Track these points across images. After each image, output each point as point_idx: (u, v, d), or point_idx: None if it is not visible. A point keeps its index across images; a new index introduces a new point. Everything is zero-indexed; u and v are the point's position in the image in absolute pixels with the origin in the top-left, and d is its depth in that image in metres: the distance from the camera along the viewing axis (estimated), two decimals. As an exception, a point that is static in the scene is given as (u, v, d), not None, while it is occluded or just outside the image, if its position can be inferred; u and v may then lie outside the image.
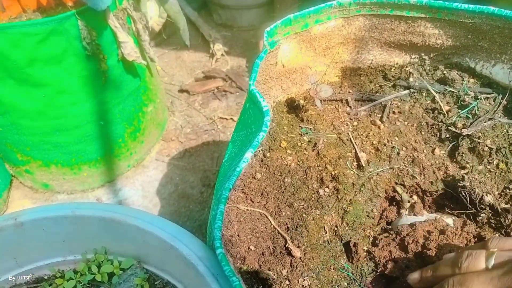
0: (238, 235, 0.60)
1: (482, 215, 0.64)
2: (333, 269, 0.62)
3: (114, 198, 1.41)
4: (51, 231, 0.65)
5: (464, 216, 0.66)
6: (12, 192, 1.43)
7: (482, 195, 0.64)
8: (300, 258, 0.61)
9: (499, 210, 0.63)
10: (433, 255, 0.59)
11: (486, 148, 0.72)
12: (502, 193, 0.68)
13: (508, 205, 0.65)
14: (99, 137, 1.30)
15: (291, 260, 0.61)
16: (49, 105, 1.15)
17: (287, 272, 0.60)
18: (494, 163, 0.71)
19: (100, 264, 0.71)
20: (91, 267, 0.70)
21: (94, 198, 1.41)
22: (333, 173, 0.72)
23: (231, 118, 1.69)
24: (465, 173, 0.70)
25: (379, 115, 0.81)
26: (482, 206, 0.64)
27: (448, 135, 0.76)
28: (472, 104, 0.78)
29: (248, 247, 0.60)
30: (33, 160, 1.29)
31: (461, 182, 0.67)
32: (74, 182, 1.38)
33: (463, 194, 0.66)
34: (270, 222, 0.64)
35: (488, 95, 0.80)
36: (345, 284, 0.60)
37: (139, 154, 1.48)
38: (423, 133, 0.78)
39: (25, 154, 1.28)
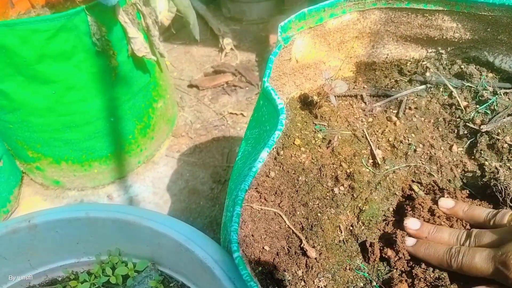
0: (253, 235, 0.59)
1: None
2: (349, 269, 0.60)
3: (125, 195, 1.41)
4: (65, 233, 0.64)
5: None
6: (23, 189, 1.43)
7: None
8: (316, 258, 0.60)
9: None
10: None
11: (505, 145, 0.70)
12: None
13: None
14: (109, 133, 1.29)
15: (306, 261, 0.59)
16: (59, 101, 1.15)
17: (303, 272, 0.58)
18: (515, 160, 0.69)
19: (114, 266, 0.71)
20: (105, 269, 0.69)
21: (104, 195, 1.41)
22: (348, 171, 0.70)
23: (241, 113, 1.68)
24: (500, 166, 0.68)
25: (395, 111, 0.79)
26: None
27: (466, 132, 0.74)
28: (490, 99, 0.76)
29: (263, 247, 0.59)
30: (44, 157, 1.29)
31: (493, 176, 0.65)
32: (84, 178, 1.38)
33: (499, 188, 0.63)
34: (285, 221, 0.63)
35: (507, 90, 0.78)
36: (361, 284, 0.59)
37: (149, 150, 1.48)
38: (440, 129, 0.76)
39: (35, 151, 1.28)
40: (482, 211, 0.61)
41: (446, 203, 0.64)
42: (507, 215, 0.58)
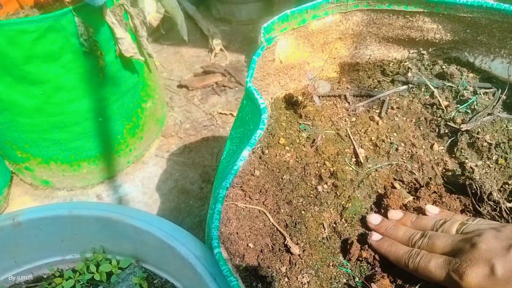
0: (237, 233, 0.60)
1: (484, 211, 0.64)
2: (332, 265, 0.62)
3: (114, 195, 1.41)
4: (49, 231, 0.65)
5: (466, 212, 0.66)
6: (12, 189, 1.43)
7: (491, 191, 0.64)
8: (299, 255, 0.61)
9: (505, 209, 0.63)
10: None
11: (485, 144, 0.72)
12: (502, 188, 0.68)
13: None
14: (98, 133, 1.29)
15: (290, 257, 0.61)
16: (47, 102, 1.15)
17: (286, 269, 0.60)
18: (494, 158, 0.71)
19: (98, 263, 0.72)
20: (89, 266, 0.70)
21: (94, 195, 1.41)
22: (331, 169, 0.71)
23: (231, 113, 1.69)
24: (478, 165, 0.70)
25: (378, 111, 0.81)
26: (489, 202, 0.64)
27: (447, 131, 0.76)
28: (471, 99, 0.77)
29: (247, 245, 0.60)
30: (33, 157, 1.29)
31: (469, 176, 0.67)
32: (74, 178, 1.38)
33: (474, 187, 0.65)
34: (269, 219, 0.64)
35: (487, 90, 0.80)
36: (344, 280, 0.61)
37: (138, 150, 1.48)
38: (421, 128, 0.78)
39: (24, 151, 1.28)
40: (429, 220, 0.62)
41: (395, 215, 0.66)
42: (455, 224, 0.59)
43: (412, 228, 0.63)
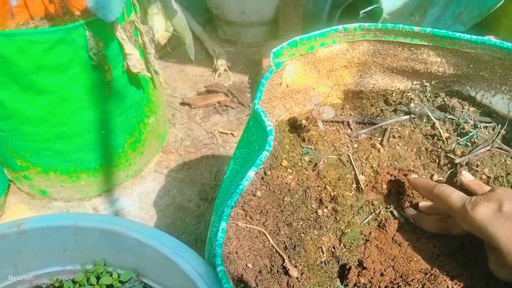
0: (236, 252, 0.61)
1: None
2: (329, 290, 0.62)
3: (111, 208, 1.41)
4: (52, 240, 0.65)
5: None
6: (9, 197, 1.43)
7: None
8: (297, 278, 0.61)
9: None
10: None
11: (484, 176, 0.73)
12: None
13: None
14: (100, 146, 1.30)
15: (288, 280, 0.61)
16: (52, 112, 1.16)
17: (284, 291, 0.60)
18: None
19: (99, 275, 0.71)
20: (90, 278, 0.70)
21: (90, 207, 1.41)
22: (332, 194, 0.72)
23: (231, 133, 1.70)
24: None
25: (380, 139, 0.82)
26: None
27: (446, 162, 0.77)
28: (471, 132, 0.79)
29: (246, 265, 0.61)
30: (33, 166, 1.30)
31: None
32: (71, 190, 1.38)
33: None
34: (269, 240, 0.65)
35: (487, 124, 0.81)
36: (341, 305, 0.61)
37: (138, 165, 1.49)
38: (422, 158, 0.79)
39: (24, 160, 1.28)
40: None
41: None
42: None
43: None
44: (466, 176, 0.71)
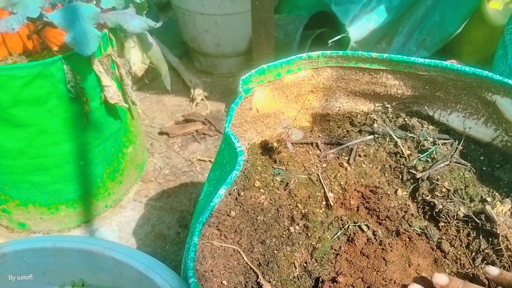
0: (212, 270, 0.63)
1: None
2: (302, 303, 0.65)
3: (90, 239, 1.41)
4: (32, 262, 0.66)
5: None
6: (-14, 232, 1.41)
7: (457, 211, 0.73)
8: (271, 292, 0.64)
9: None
10: None
11: (444, 189, 0.78)
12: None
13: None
14: (78, 177, 1.31)
15: (262, 295, 0.63)
16: (31, 145, 1.17)
17: (258, 306, 0.62)
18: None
19: (77, 296, 0.73)
20: (68, 299, 0.71)
21: (69, 239, 1.40)
22: (303, 211, 0.76)
23: (209, 160, 1.73)
24: (431, 199, 0.76)
25: (346, 158, 0.87)
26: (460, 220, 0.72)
27: (409, 177, 0.82)
28: (431, 148, 0.85)
29: (221, 282, 0.63)
30: (11, 199, 1.29)
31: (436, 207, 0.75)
32: (51, 221, 1.37)
33: (444, 215, 0.74)
34: (243, 258, 0.67)
35: (445, 141, 0.87)
36: (314, 318, 0.63)
37: (117, 194, 1.50)
38: (386, 175, 0.84)
39: (3, 193, 1.28)
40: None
41: (440, 279, 0.62)
42: None
43: None
44: (491, 272, 0.63)
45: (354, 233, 0.74)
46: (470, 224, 0.73)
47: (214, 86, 2.26)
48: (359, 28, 1.90)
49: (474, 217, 0.72)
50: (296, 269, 0.69)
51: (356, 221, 0.77)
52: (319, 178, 0.82)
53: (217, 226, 0.69)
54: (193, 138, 1.87)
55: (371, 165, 0.86)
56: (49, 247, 0.64)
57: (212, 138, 1.87)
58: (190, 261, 0.53)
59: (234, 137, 0.66)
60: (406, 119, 0.91)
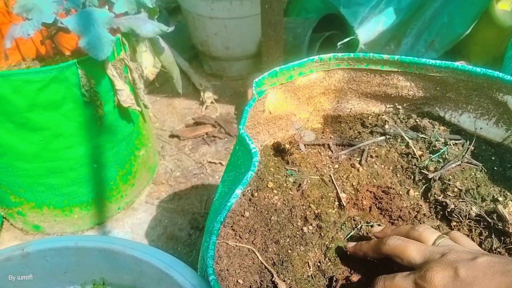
0: (227, 270, 0.64)
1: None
2: (317, 302, 0.65)
3: (104, 240, 1.43)
4: (54, 262, 0.68)
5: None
6: (2, 234, 1.44)
7: (469, 210, 0.73)
8: (286, 291, 0.65)
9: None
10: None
11: (456, 189, 0.78)
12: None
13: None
14: (92, 179, 1.34)
15: (277, 293, 0.64)
16: (46, 148, 1.20)
17: (273, 305, 0.63)
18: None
19: (98, 294, 0.74)
20: (90, 298, 0.72)
21: (83, 240, 1.42)
22: (316, 212, 0.77)
23: (220, 163, 1.75)
24: (443, 199, 0.77)
25: (358, 159, 0.88)
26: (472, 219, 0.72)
27: (421, 178, 0.83)
28: (442, 149, 0.85)
29: (237, 281, 0.64)
30: (26, 201, 1.32)
31: (448, 207, 0.75)
32: (64, 224, 1.40)
33: (456, 214, 0.74)
34: (258, 257, 0.68)
35: (457, 141, 0.87)
36: (328, 317, 0.64)
37: (129, 196, 1.52)
38: (398, 175, 0.84)
39: (18, 196, 1.31)
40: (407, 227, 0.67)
41: (376, 228, 0.74)
42: (434, 235, 0.62)
43: None
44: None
45: (367, 233, 0.75)
46: (482, 224, 0.73)
47: (223, 89, 2.28)
48: (368, 30, 1.91)
49: (486, 216, 0.72)
50: (310, 268, 0.70)
51: (369, 221, 0.77)
52: (332, 179, 0.83)
53: (231, 226, 0.70)
54: (203, 141, 1.88)
55: (383, 166, 0.86)
56: (72, 247, 0.65)
57: (222, 141, 1.88)
58: (209, 259, 0.55)
59: (248, 139, 0.67)
60: (417, 120, 0.92)
